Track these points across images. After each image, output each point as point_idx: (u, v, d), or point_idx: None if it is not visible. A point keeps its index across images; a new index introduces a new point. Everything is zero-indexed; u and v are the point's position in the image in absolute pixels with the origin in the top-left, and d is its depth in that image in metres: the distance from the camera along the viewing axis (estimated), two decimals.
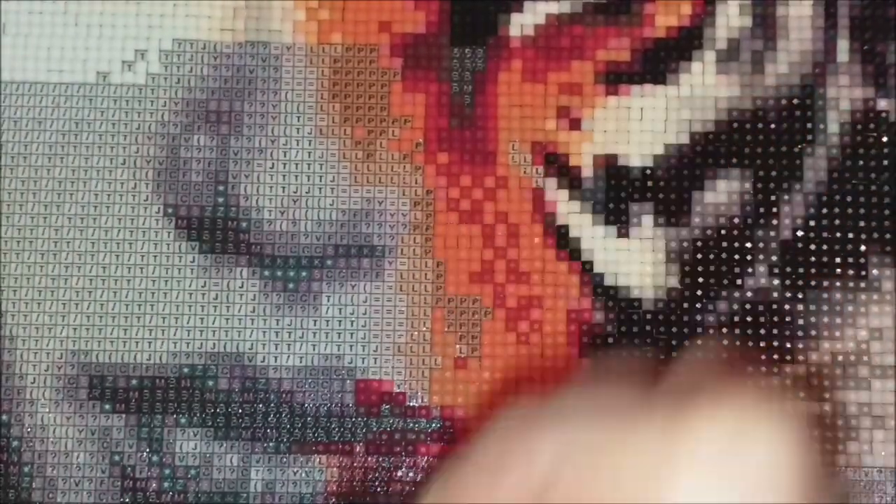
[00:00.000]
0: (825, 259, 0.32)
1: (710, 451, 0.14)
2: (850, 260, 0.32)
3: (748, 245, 0.32)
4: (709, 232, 0.32)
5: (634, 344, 0.32)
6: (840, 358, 0.32)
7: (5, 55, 0.33)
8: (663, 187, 0.33)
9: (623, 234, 0.32)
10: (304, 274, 0.32)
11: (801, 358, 0.32)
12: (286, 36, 0.33)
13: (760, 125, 0.33)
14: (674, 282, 0.32)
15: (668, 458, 0.14)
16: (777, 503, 0.14)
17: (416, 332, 0.32)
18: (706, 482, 0.14)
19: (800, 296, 0.32)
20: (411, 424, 0.31)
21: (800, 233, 0.32)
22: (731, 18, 0.33)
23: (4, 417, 0.31)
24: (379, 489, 0.31)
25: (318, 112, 0.33)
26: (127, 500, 0.31)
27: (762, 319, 0.32)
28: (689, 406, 0.14)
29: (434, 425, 0.31)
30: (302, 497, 0.31)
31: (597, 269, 0.32)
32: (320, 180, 0.33)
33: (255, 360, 0.32)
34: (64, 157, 0.33)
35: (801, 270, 0.32)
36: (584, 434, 0.15)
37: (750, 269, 0.32)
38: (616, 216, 0.33)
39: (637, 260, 0.32)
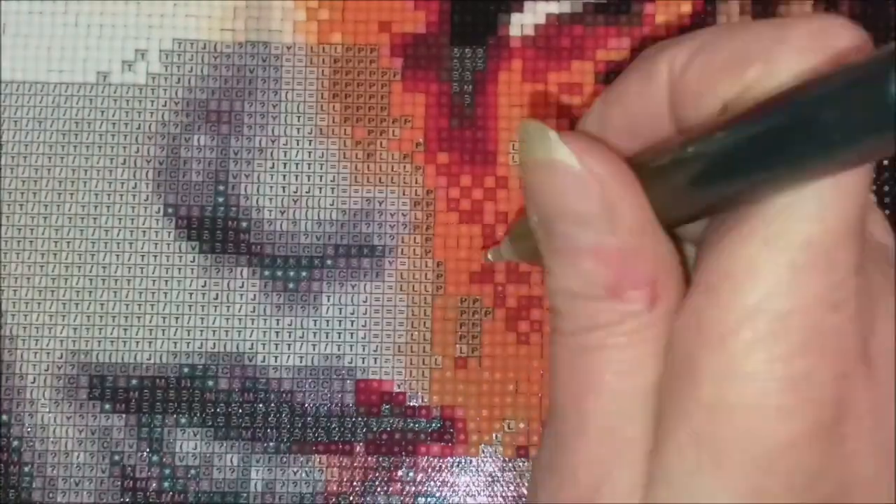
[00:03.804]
0: None
1: None
2: None
3: None
4: None
5: None
6: None
7: (5, 55, 0.33)
8: None
9: None
10: (304, 274, 0.32)
11: None
12: (286, 36, 0.33)
13: None
14: None
15: None
16: None
17: (416, 332, 0.32)
18: None
19: None
20: (411, 424, 0.31)
21: None
22: (731, 18, 0.33)
23: (4, 417, 0.31)
24: (379, 489, 0.31)
25: (318, 112, 0.33)
26: (127, 499, 0.31)
27: None
28: None
29: (434, 425, 0.31)
30: (302, 497, 0.31)
31: None
32: (320, 180, 0.33)
33: (256, 360, 0.32)
34: (64, 157, 0.33)
35: None
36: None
37: None
38: None
39: None
